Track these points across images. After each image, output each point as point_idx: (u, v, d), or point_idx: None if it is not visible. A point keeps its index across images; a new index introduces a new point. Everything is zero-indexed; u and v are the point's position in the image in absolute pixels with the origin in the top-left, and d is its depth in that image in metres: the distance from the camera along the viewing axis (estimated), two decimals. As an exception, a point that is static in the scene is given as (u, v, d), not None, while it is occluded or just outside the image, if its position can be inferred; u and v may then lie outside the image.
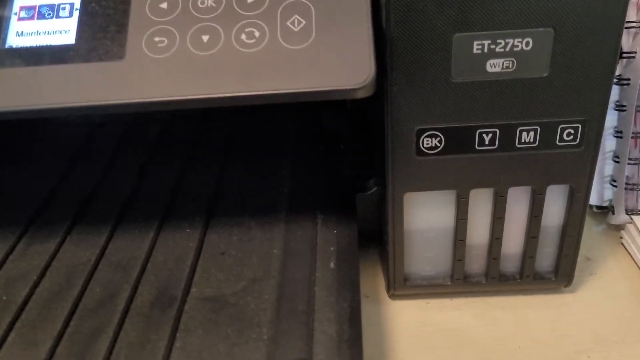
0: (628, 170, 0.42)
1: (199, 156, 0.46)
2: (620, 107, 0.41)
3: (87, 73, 0.30)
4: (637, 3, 0.39)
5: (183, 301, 0.32)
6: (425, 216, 0.37)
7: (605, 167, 0.43)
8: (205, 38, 0.30)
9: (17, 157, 0.48)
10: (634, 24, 0.39)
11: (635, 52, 0.40)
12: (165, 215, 0.39)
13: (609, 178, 0.44)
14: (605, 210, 0.45)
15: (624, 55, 0.40)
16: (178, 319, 0.31)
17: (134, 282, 0.34)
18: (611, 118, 0.42)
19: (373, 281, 0.42)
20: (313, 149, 0.45)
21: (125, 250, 0.36)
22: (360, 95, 0.29)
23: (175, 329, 0.31)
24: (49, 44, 0.31)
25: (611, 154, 0.43)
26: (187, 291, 0.33)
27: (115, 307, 0.32)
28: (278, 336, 0.30)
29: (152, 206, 0.40)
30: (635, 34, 0.40)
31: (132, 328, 0.31)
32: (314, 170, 0.43)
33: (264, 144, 0.46)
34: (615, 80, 0.40)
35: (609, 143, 0.43)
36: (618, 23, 0.30)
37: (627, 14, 0.30)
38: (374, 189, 0.40)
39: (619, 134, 0.42)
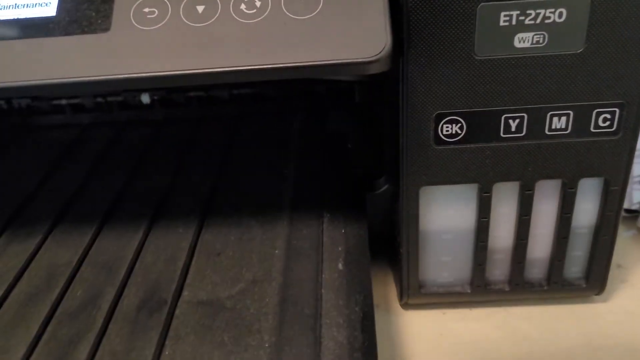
0: (661, 169, 0.39)
1: (197, 155, 0.42)
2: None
3: (68, 47, 0.27)
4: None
5: (173, 305, 0.29)
6: (443, 215, 0.33)
7: (635, 167, 0.40)
8: (200, 8, 0.27)
9: (2, 155, 0.45)
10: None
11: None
12: (157, 214, 0.35)
13: (638, 179, 0.40)
14: (635, 214, 0.42)
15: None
16: (167, 324, 0.28)
17: (119, 284, 0.30)
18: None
19: (384, 289, 0.38)
20: (319, 148, 0.42)
21: (112, 250, 0.33)
22: (375, 69, 0.26)
23: (164, 335, 0.27)
24: (27, 17, 0.28)
25: (641, 152, 0.40)
26: (178, 294, 0.29)
27: (98, 310, 0.29)
28: (281, 343, 0.26)
29: (143, 205, 0.36)
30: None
31: (115, 334, 0.28)
32: (320, 169, 0.39)
33: (267, 144, 0.43)
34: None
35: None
36: None
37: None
38: (385, 186, 0.37)
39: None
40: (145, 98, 0.45)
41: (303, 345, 0.26)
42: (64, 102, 0.47)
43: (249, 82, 0.45)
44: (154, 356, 0.26)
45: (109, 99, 0.46)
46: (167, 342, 0.27)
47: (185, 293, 0.30)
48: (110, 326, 0.28)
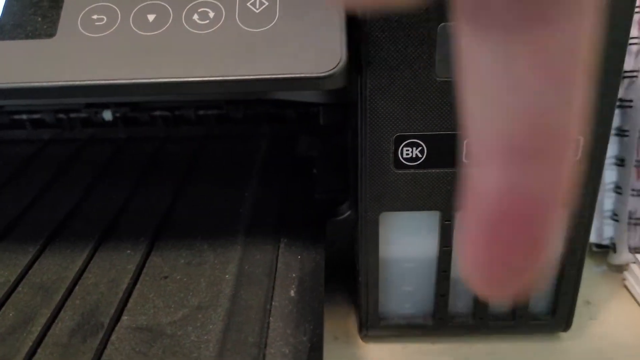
0: (631, 203, 0.38)
1: (154, 177, 0.41)
2: (621, 133, 0.37)
3: (10, 52, 0.26)
4: (640, 19, 0.36)
5: (110, 330, 0.27)
6: (404, 242, 0.32)
7: (605, 200, 0.39)
8: (151, 17, 0.26)
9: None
10: (636, 41, 0.36)
11: (638, 72, 0.36)
12: (106, 235, 0.34)
13: (609, 213, 0.39)
14: (605, 249, 0.41)
15: (626, 74, 0.36)
16: (101, 350, 0.26)
17: (55, 306, 0.28)
18: (611, 146, 0.38)
19: (344, 321, 0.37)
20: (284, 172, 0.41)
21: (53, 270, 0.31)
22: (328, 85, 0.25)
23: (95, 362, 0.25)
24: (-30, 20, 0.27)
25: (612, 185, 0.39)
26: (116, 318, 0.28)
27: (28, 334, 0.27)
28: (220, 374, 0.24)
29: (93, 224, 0.35)
30: (638, 52, 0.36)
31: (44, 359, 0.26)
32: (281, 194, 0.38)
33: (230, 166, 0.42)
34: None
35: (608, 174, 0.39)
36: (623, 38, 0.26)
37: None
38: (348, 212, 0.35)
39: (620, 162, 0.38)
40: (108, 115, 0.44)
41: (243, 376, 0.24)
42: (24, 116, 0.46)
43: (215, 103, 0.43)
44: (82, 385, 0.24)
45: (71, 115, 0.45)
46: (99, 370, 0.25)
47: (124, 318, 0.28)
48: (38, 351, 0.26)
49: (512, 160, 0.11)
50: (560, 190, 0.12)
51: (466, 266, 0.13)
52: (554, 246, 0.12)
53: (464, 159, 0.28)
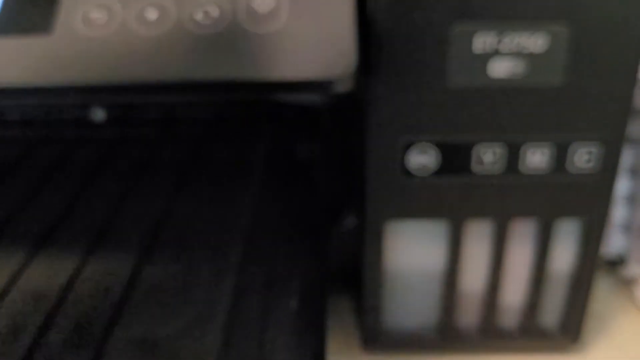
0: (642, 215, 0.37)
1: (146, 183, 0.39)
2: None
3: (3, 48, 0.25)
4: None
5: (104, 341, 0.26)
6: (410, 253, 0.31)
7: (614, 211, 0.38)
8: (153, 16, 0.25)
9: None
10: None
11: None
12: (97, 242, 0.32)
13: (618, 224, 0.38)
14: (614, 263, 0.40)
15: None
16: (95, 362, 0.25)
17: (46, 315, 0.27)
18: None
19: (346, 334, 0.36)
20: (284, 177, 0.39)
21: (42, 279, 0.30)
22: (338, 89, 0.24)
23: (88, 375, 0.24)
24: (-38, 15, 0.25)
25: (624, 197, 0.38)
26: (110, 329, 0.26)
27: (18, 345, 0.26)
28: (219, 389, 0.23)
29: (82, 230, 0.33)
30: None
31: (35, 372, 0.24)
32: (282, 199, 0.37)
33: (227, 170, 0.40)
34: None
35: (621, 185, 0.38)
36: (638, 39, 0.25)
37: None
38: (352, 220, 0.34)
39: (633, 174, 0.37)
40: (100, 115, 0.43)
41: (243, 392, 0.23)
42: (14, 116, 0.44)
43: (213, 105, 0.42)
44: (74, 399, 0.23)
45: (62, 115, 0.43)
46: (91, 383, 0.24)
47: (117, 329, 0.26)
48: (29, 363, 0.25)
49: None
50: None
51: None
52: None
53: (474, 167, 0.27)
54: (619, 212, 0.38)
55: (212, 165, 0.41)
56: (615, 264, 0.40)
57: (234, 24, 0.25)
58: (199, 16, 0.25)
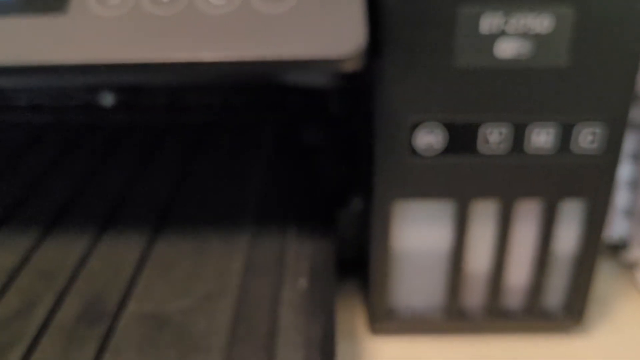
0: (645, 199, 0.37)
1: (156, 164, 0.40)
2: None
3: (18, 28, 0.25)
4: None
5: (116, 316, 0.26)
6: (417, 233, 0.31)
7: (617, 196, 0.38)
8: (165, -3, 0.25)
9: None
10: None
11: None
12: (108, 221, 0.33)
13: (621, 209, 0.39)
14: (616, 247, 0.40)
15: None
16: (107, 336, 0.25)
17: (59, 291, 0.28)
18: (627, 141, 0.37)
19: (351, 314, 0.36)
20: (290, 160, 0.40)
21: (56, 257, 0.30)
22: (348, 67, 0.24)
23: (102, 348, 0.25)
24: (-22, -5, 0.26)
25: (626, 181, 0.38)
26: (122, 305, 0.27)
27: (33, 319, 0.26)
28: (230, 362, 0.24)
29: (93, 211, 0.34)
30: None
31: (49, 344, 0.25)
32: (289, 182, 0.37)
33: (234, 154, 0.41)
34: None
35: (623, 169, 0.38)
36: None
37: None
38: (358, 202, 0.35)
39: (635, 158, 0.37)
40: (109, 99, 0.43)
41: (255, 364, 0.23)
42: (22, 100, 0.45)
43: (219, 90, 0.43)
44: (88, 371, 0.23)
45: (72, 99, 0.44)
46: (106, 355, 0.24)
47: (130, 304, 0.27)
48: (44, 336, 0.25)
49: None
50: None
51: None
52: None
53: (480, 147, 0.28)
54: (621, 197, 0.39)
55: (221, 148, 0.41)
56: (618, 248, 0.40)
57: (246, 4, 0.25)
58: (210, -3, 0.25)
